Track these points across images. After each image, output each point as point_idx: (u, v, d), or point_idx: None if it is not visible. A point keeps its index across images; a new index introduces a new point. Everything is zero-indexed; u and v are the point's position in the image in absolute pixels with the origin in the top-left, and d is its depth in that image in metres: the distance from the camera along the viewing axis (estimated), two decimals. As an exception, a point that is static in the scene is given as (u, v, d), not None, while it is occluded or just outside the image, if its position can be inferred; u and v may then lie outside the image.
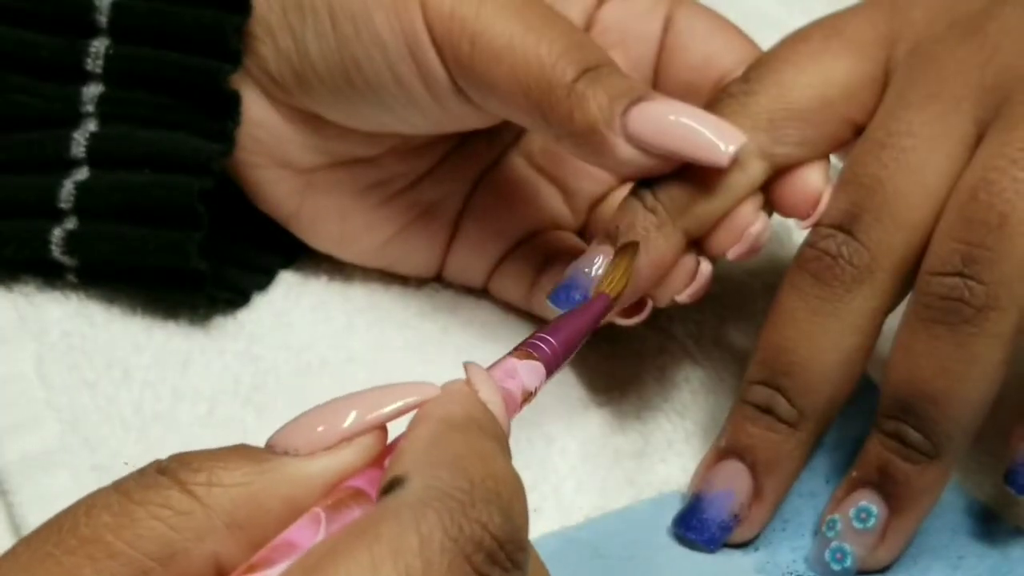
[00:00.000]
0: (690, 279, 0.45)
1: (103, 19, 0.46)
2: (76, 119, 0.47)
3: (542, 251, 0.50)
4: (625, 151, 0.43)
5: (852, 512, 0.44)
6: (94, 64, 0.46)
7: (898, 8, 0.46)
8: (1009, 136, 0.42)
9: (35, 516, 0.42)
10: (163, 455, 0.44)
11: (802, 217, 0.45)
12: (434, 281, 0.52)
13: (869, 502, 0.44)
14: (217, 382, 0.47)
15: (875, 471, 0.43)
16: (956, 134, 0.43)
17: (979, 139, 0.43)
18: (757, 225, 0.44)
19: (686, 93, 0.47)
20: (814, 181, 0.45)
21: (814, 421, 0.44)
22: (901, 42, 0.45)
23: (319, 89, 0.46)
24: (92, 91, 0.47)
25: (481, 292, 0.51)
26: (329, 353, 0.49)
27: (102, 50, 0.46)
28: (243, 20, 0.46)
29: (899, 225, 0.43)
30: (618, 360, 0.50)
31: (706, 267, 0.45)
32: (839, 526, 0.44)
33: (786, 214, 0.45)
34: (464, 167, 0.50)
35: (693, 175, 0.43)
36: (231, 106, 0.46)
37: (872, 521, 0.43)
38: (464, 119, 0.46)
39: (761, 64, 0.45)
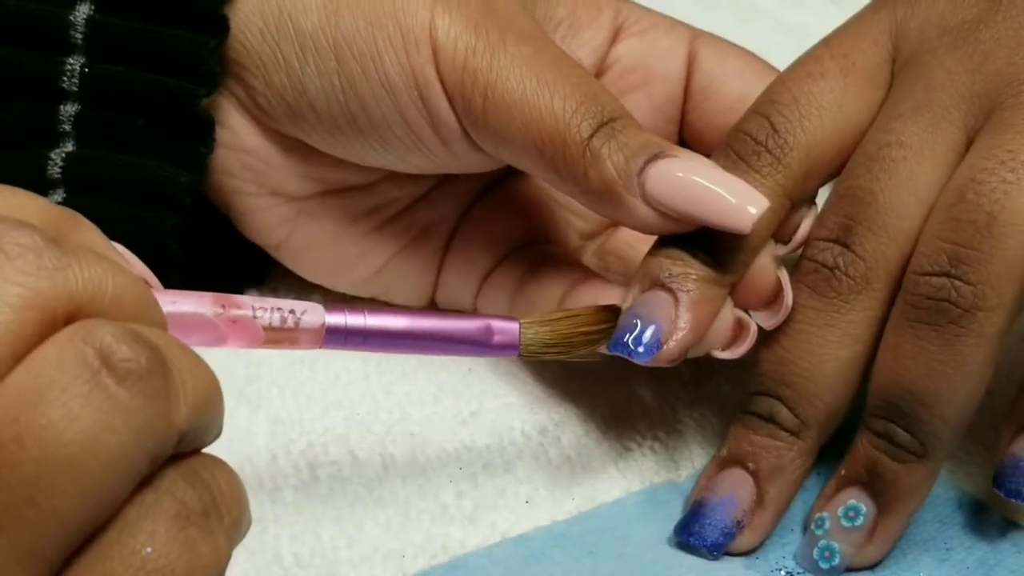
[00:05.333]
0: (730, 333, 0.44)
1: (78, 36, 0.45)
2: (54, 138, 0.46)
3: (527, 262, 0.49)
4: (644, 212, 0.42)
5: (840, 510, 0.44)
6: (70, 83, 0.45)
7: (897, 23, 0.46)
8: (998, 139, 0.43)
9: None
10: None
11: (784, 243, 0.45)
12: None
13: (858, 500, 0.44)
14: (211, 375, 0.47)
15: (864, 470, 0.44)
16: (946, 143, 0.44)
17: (969, 145, 0.44)
18: (790, 292, 0.44)
19: (720, 136, 0.47)
20: (801, 214, 0.45)
21: (816, 429, 0.44)
22: (899, 55, 0.46)
23: (316, 126, 0.45)
24: (69, 110, 0.45)
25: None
26: (322, 345, 0.49)
27: (77, 68, 0.45)
28: (220, 42, 0.44)
29: (892, 235, 0.43)
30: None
31: (752, 325, 0.44)
32: (827, 524, 0.44)
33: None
34: (460, 191, 0.49)
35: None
36: (205, 131, 0.45)
37: (860, 519, 0.44)
38: (471, 164, 0.46)
39: (783, 104, 0.45)
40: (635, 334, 0.42)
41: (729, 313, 0.44)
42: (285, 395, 0.47)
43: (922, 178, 0.43)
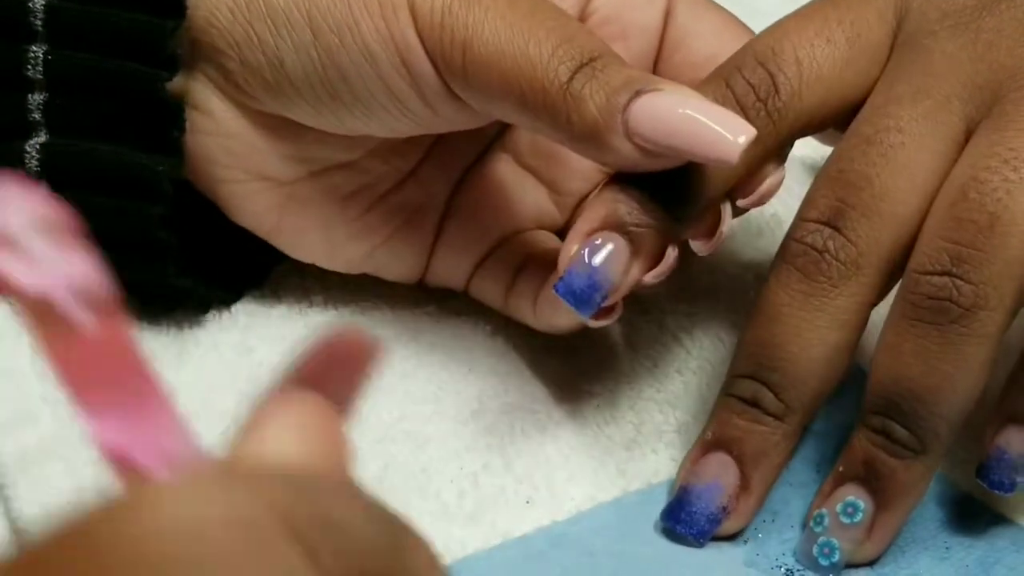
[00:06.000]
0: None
1: (38, 23, 0.44)
2: (26, 129, 0.45)
3: (520, 253, 0.49)
4: (629, 151, 0.41)
5: (839, 507, 0.44)
6: (35, 71, 0.44)
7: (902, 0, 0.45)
8: (1000, 135, 0.42)
9: (31, 509, 0.42)
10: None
11: (743, 196, 0.45)
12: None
13: (856, 497, 0.44)
14: (211, 375, 0.47)
15: (861, 466, 0.44)
16: (945, 131, 0.43)
17: (968, 135, 0.43)
18: (728, 220, 0.44)
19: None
20: (769, 172, 0.45)
21: (800, 413, 0.44)
22: (900, 33, 0.45)
23: (297, 100, 0.44)
24: (37, 99, 0.45)
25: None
26: (323, 345, 0.49)
27: (41, 56, 0.44)
28: (177, 24, 0.44)
29: (886, 221, 0.43)
30: (611, 350, 0.50)
31: (671, 252, 0.44)
32: (826, 521, 0.44)
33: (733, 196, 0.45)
34: (448, 164, 0.49)
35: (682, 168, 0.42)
36: (173, 115, 0.44)
37: (859, 516, 0.44)
38: (457, 122, 0.45)
39: (785, 61, 0.44)
40: (587, 283, 0.42)
41: (674, 254, 0.44)
42: (286, 395, 0.47)
43: (919, 166, 0.43)
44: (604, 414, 0.48)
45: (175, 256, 0.46)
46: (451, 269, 0.49)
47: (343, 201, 0.48)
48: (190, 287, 0.47)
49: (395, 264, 0.49)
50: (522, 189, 0.50)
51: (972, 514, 0.46)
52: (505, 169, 0.50)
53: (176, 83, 0.45)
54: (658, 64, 0.48)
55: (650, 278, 0.43)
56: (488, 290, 0.49)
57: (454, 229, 0.49)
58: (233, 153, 0.46)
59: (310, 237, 0.48)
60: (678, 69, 0.48)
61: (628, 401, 0.49)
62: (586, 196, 0.50)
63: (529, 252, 0.49)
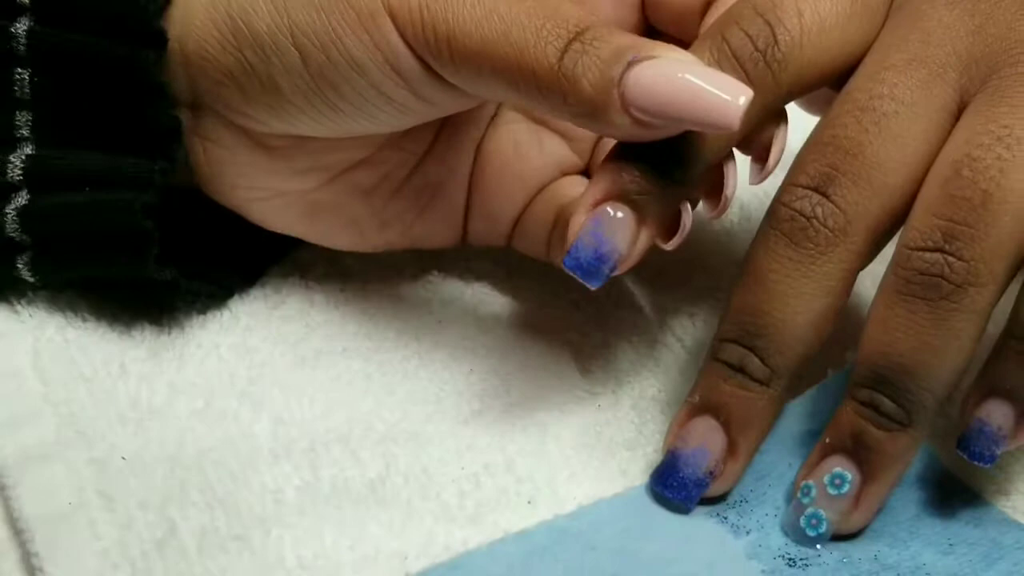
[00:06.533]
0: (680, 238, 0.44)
1: (21, 48, 0.44)
2: (11, 143, 0.44)
3: (555, 202, 0.49)
4: (628, 125, 0.41)
5: (826, 478, 0.44)
6: (22, 92, 0.44)
7: None
8: (994, 112, 0.42)
9: (32, 509, 0.42)
10: (160, 449, 0.44)
11: (761, 163, 0.45)
12: (429, 272, 0.52)
13: (843, 468, 0.44)
14: (213, 375, 0.47)
15: (848, 438, 0.44)
16: (939, 102, 0.43)
17: (961, 107, 0.44)
18: (733, 180, 0.44)
19: (679, 19, 0.46)
20: (770, 131, 0.45)
21: (786, 379, 0.44)
22: None
23: (300, 117, 0.44)
24: (25, 117, 0.44)
25: (475, 281, 0.52)
26: (323, 345, 0.49)
27: (27, 78, 0.44)
28: (158, 56, 0.43)
29: (877, 190, 0.43)
30: (613, 351, 0.50)
31: (687, 217, 0.44)
32: (813, 492, 0.44)
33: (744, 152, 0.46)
34: (461, 135, 0.49)
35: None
36: (166, 139, 0.44)
37: (846, 487, 0.44)
38: (459, 106, 0.45)
39: (786, 11, 0.43)
40: (594, 255, 0.42)
41: (689, 220, 0.44)
42: (287, 395, 0.47)
43: (912, 136, 0.43)
44: (606, 414, 0.48)
45: (155, 247, 0.45)
46: (488, 231, 0.50)
47: (366, 196, 0.48)
48: (171, 279, 0.46)
49: (431, 236, 0.50)
50: (539, 143, 0.50)
51: (977, 511, 0.46)
52: (519, 128, 0.50)
53: (187, 121, 0.45)
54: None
55: (671, 246, 0.44)
56: (528, 245, 0.50)
57: (483, 195, 0.50)
58: (251, 177, 0.46)
59: (342, 233, 0.49)
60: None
61: (630, 401, 0.49)
62: (600, 137, 0.50)
63: (561, 203, 0.49)
